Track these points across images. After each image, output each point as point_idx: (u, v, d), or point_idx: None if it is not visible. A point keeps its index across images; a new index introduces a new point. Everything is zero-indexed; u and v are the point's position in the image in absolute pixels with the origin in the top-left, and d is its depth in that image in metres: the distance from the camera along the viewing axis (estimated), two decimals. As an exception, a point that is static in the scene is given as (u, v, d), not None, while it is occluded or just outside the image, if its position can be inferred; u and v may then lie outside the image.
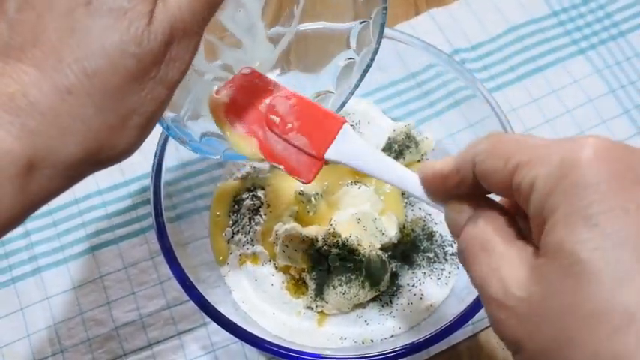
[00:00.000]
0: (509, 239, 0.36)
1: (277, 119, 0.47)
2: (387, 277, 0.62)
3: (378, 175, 0.45)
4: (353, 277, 0.60)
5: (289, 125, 0.47)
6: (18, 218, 0.36)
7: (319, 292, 0.61)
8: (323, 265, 0.61)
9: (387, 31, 0.67)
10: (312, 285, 0.61)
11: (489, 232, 0.37)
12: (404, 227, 0.65)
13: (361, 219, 0.62)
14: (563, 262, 0.31)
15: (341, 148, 0.45)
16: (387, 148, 0.67)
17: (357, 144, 0.45)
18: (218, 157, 0.51)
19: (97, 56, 0.35)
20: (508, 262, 0.34)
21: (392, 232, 0.63)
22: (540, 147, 0.34)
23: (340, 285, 0.60)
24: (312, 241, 0.61)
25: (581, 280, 0.30)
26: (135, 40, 0.36)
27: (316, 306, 0.62)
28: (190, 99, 0.50)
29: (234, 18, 0.47)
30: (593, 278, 0.30)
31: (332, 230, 0.61)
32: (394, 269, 0.64)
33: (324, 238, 0.61)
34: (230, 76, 0.48)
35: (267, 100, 0.47)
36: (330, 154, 0.45)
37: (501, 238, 0.36)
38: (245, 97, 0.48)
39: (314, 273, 0.61)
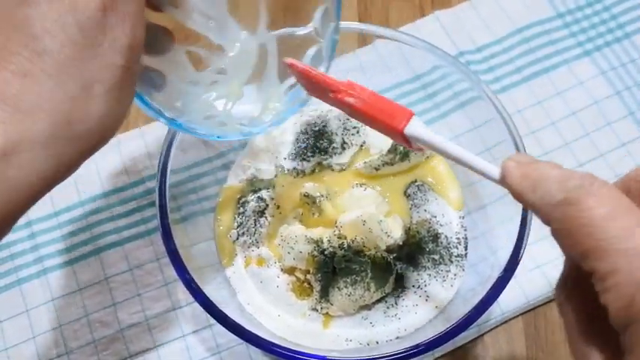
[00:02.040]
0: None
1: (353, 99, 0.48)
2: (392, 278, 0.62)
3: (450, 152, 0.45)
4: (358, 278, 0.60)
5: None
6: (4, 207, 0.39)
7: (324, 294, 0.61)
8: (328, 266, 0.61)
9: (392, 32, 0.67)
10: (317, 287, 0.61)
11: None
12: (409, 229, 0.65)
13: (366, 221, 0.61)
14: None
15: (415, 128, 0.46)
16: (393, 150, 0.67)
17: (426, 129, 0.46)
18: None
19: (41, 35, 0.38)
20: None
21: (397, 234, 0.63)
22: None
23: (345, 287, 0.60)
24: (317, 243, 0.61)
25: None
26: (70, 10, 0.38)
27: (321, 308, 0.62)
28: (184, 103, 0.51)
29: (201, 22, 0.47)
30: None
31: (337, 232, 0.61)
32: (399, 271, 0.64)
33: (329, 240, 0.61)
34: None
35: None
36: (408, 130, 0.46)
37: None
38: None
39: (319, 275, 0.61)
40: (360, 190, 0.65)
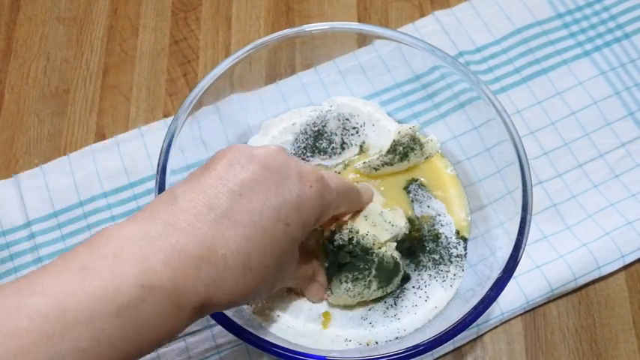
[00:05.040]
0: None
1: None
2: (396, 280, 0.62)
3: None
4: (360, 276, 0.60)
5: None
6: (177, 335, 0.45)
7: (328, 281, 0.61)
8: (335, 257, 0.60)
9: (391, 32, 0.67)
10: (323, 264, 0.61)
11: None
12: (413, 221, 0.65)
13: (368, 215, 0.61)
14: None
15: None
16: (392, 151, 0.67)
17: None
18: None
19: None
20: None
21: (401, 222, 0.63)
22: None
23: (346, 282, 0.60)
24: (322, 232, 0.61)
25: None
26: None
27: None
28: None
29: None
30: None
31: (351, 226, 0.61)
32: (407, 272, 0.63)
33: (340, 232, 0.60)
34: None
35: None
36: None
37: None
38: None
39: (326, 263, 0.61)
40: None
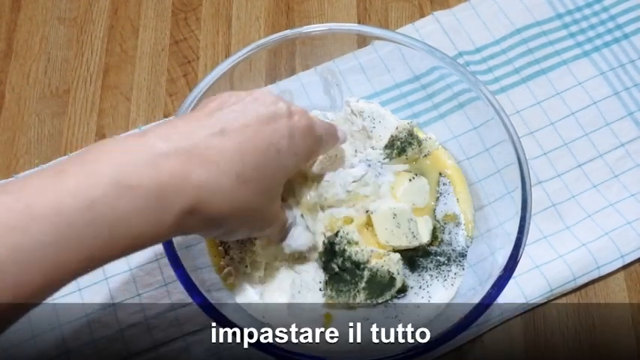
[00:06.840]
0: None
1: None
2: (389, 293, 0.62)
3: None
4: (345, 289, 0.60)
5: None
6: (163, 240, 0.48)
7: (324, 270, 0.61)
8: (328, 259, 0.60)
9: (391, 33, 0.67)
10: (319, 264, 0.61)
11: None
12: (435, 229, 0.65)
13: (397, 215, 0.61)
14: None
15: None
16: (390, 145, 0.67)
17: None
18: None
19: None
20: None
21: (424, 238, 0.63)
22: None
23: (331, 290, 0.60)
24: (335, 233, 0.61)
25: None
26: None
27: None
28: None
29: None
30: None
31: (350, 236, 0.61)
32: (406, 284, 0.63)
33: (341, 238, 0.60)
34: None
35: None
36: None
37: None
38: None
39: (323, 258, 0.61)
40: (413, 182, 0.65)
